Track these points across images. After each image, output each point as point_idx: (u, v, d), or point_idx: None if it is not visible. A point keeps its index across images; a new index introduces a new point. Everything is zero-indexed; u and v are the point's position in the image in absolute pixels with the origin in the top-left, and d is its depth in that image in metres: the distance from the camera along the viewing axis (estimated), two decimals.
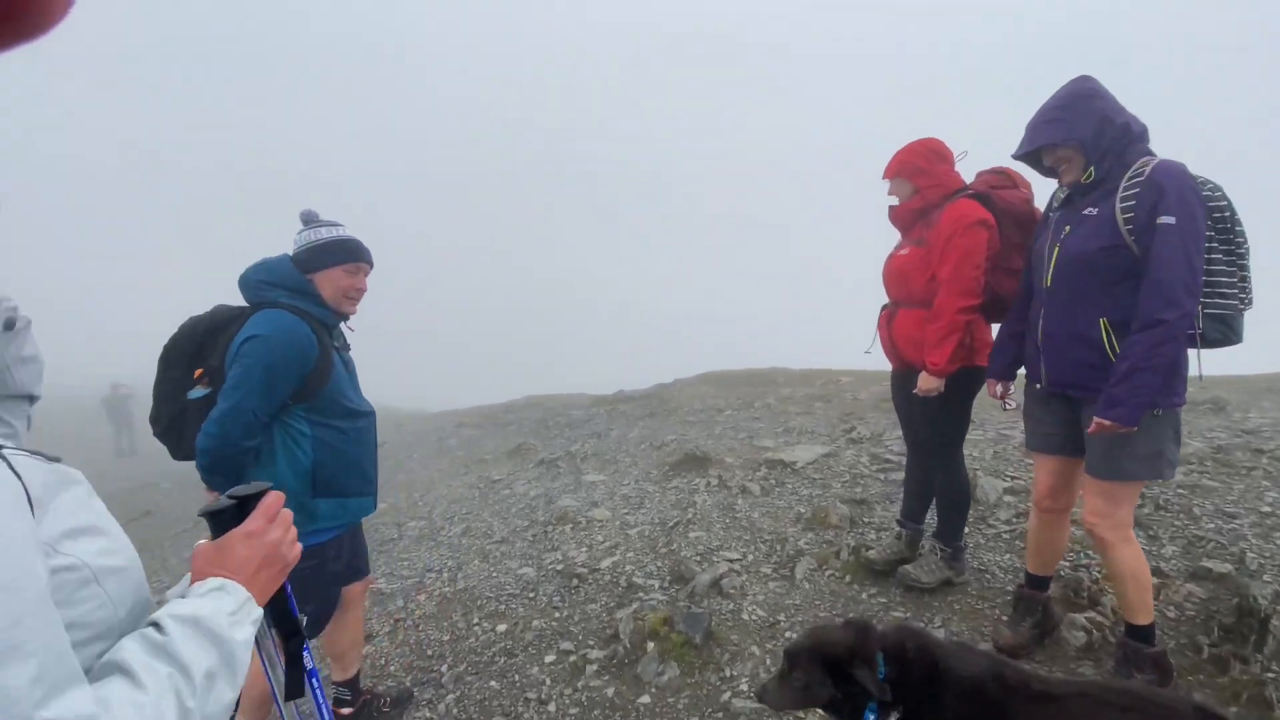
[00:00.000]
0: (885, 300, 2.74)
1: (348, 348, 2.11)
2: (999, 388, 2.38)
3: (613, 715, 2.28)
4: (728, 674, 2.39)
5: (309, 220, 1.99)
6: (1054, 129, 1.96)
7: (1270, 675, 1.94)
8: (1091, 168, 1.92)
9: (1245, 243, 1.87)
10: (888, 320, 2.67)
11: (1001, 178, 2.61)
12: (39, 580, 0.54)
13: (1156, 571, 2.46)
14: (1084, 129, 1.90)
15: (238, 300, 1.93)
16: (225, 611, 0.69)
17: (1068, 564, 2.68)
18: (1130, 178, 1.86)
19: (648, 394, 8.96)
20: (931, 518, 2.90)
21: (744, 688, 2.29)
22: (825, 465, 4.42)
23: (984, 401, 2.67)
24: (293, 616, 0.87)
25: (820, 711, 1.53)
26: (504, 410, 9.94)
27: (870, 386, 7.02)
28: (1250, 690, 1.93)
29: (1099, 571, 2.58)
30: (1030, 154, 2.12)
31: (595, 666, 2.52)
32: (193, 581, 0.74)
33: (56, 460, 0.69)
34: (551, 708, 2.35)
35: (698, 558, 3.29)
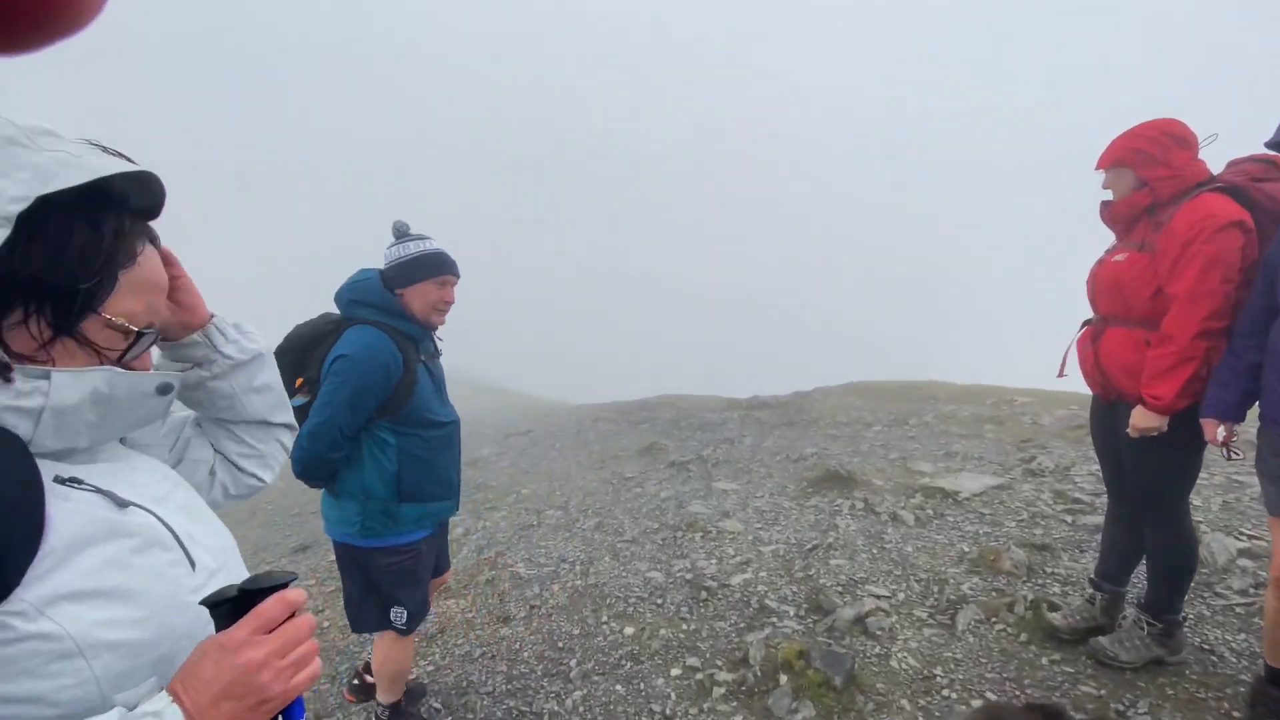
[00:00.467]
0: (1089, 314, 2.33)
1: (438, 355, 2.18)
2: (1221, 430, 1.91)
3: None
4: None
5: (400, 233, 2.03)
6: None
7: None
8: None
9: None
10: (1093, 339, 2.27)
11: (1268, 168, 2.08)
12: None
13: None
14: None
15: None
16: None
17: None
18: None
19: (785, 401, 8.63)
20: (1138, 580, 2.43)
21: None
22: (996, 499, 3.92)
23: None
24: None
25: None
26: (639, 407, 10.15)
27: (1054, 410, 6.13)
28: None
29: None
30: None
31: (723, 690, 2.44)
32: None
33: (128, 505, 0.65)
34: None
35: (839, 588, 3.06)
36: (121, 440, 0.82)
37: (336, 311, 2.04)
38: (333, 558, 2.42)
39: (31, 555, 0.55)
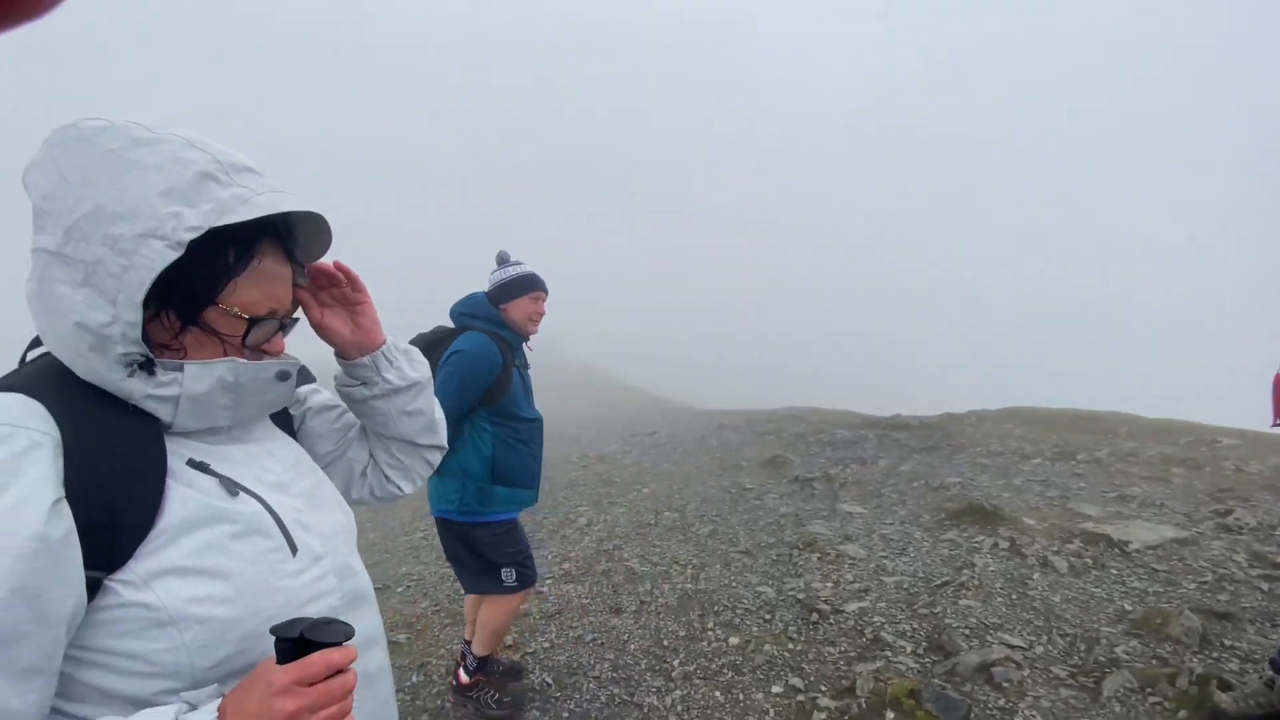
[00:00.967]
0: None
1: (528, 366, 2.53)
2: None
3: None
4: None
5: (502, 260, 2.44)
6: None
7: None
8: None
9: None
10: None
11: None
12: None
13: None
14: None
15: None
16: None
17: None
18: None
19: (931, 423, 8.04)
20: None
21: None
22: (1175, 554, 3.40)
23: None
24: None
25: None
26: (765, 418, 10.01)
27: (1266, 457, 5.12)
28: None
29: None
30: None
31: (824, 715, 2.41)
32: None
33: (238, 493, 0.73)
34: None
35: (966, 631, 2.87)
36: (291, 427, 0.96)
37: (449, 324, 2.46)
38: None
39: (145, 534, 0.64)
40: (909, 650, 2.78)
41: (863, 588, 3.46)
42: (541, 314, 2.45)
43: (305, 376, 0.89)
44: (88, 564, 0.61)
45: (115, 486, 0.63)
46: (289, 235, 0.81)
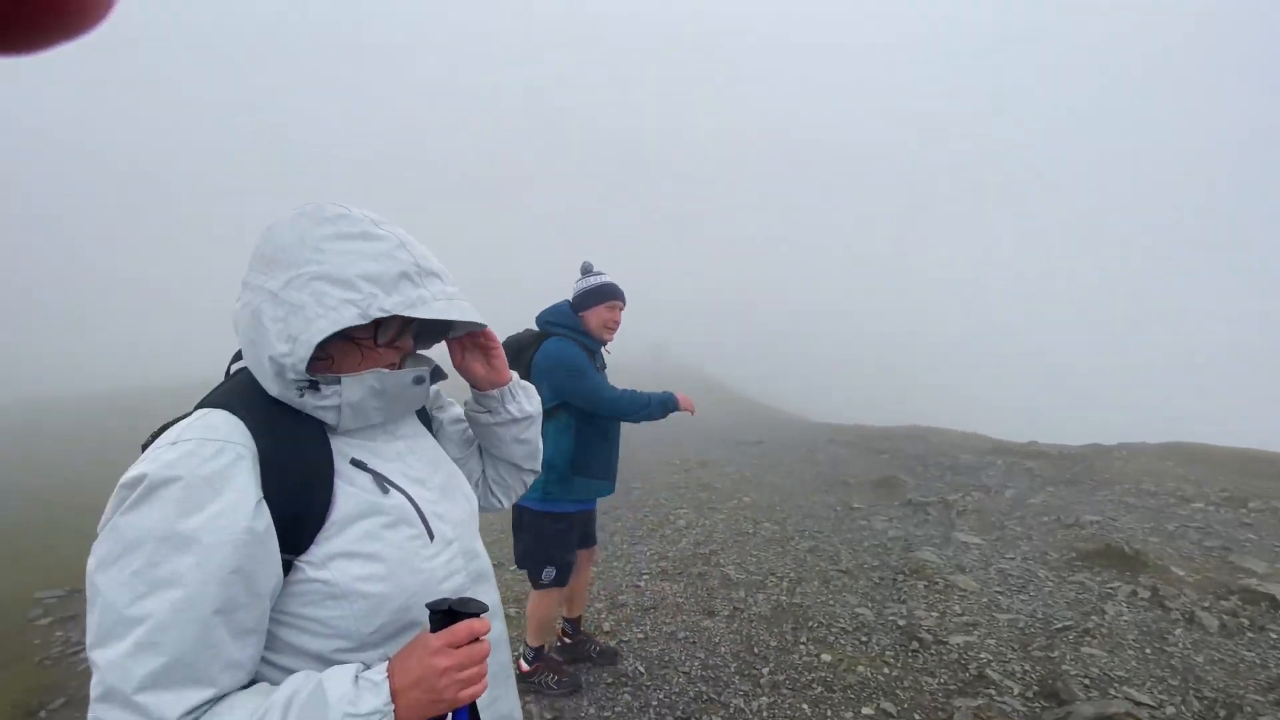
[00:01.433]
0: None
1: (604, 367, 2.73)
2: None
3: None
4: None
5: (586, 271, 2.67)
6: None
7: None
8: None
9: None
10: None
11: None
12: (209, 600, 0.69)
13: None
14: None
15: None
16: (350, 710, 0.72)
17: None
18: None
19: (1073, 454, 7.36)
20: None
21: None
22: None
23: None
24: None
25: None
26: (881, 435, 9.62)
27: None
28: None
29: None
30: None
31: None
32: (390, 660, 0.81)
33: (389, 490, 0.89)
34: None
35: (1085, 680, 2.70)
36: (431, 428, 1.14)
37: (535, 329, 2.72)
38: None
39: (321, 525, 0.81)
40: (1016, 691, 2.67)
41: (971, 621, 3.33)
42: (617, 322, 2.65)
43: (437, 374, 1.02)
44: (282, 549, 0.77)
45: (299, 489, 0.80)
46: None
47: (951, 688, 2.75)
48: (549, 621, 2.80)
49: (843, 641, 3.21)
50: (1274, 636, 2.93)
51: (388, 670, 0.77)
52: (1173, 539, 4.36)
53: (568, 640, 3.07)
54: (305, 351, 0.80)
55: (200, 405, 0.84)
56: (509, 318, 3.08)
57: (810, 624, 3.41)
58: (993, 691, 2.67)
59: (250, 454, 0.78)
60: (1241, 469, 6.24)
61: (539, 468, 1.28)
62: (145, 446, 0.88)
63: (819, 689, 2.82)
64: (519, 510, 2.65)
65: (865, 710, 2.64)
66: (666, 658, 3.14)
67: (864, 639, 3.22)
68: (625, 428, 2.92)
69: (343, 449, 0.89)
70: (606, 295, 2.60)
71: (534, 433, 1.21)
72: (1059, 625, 3.20)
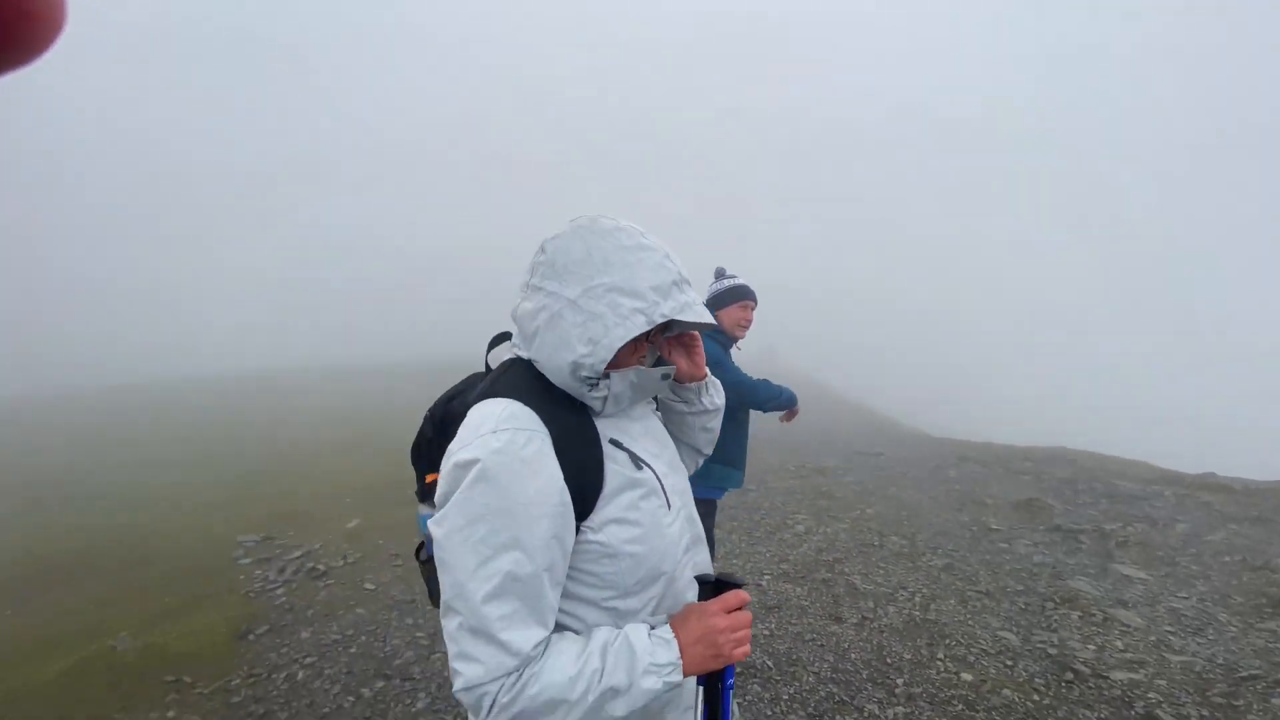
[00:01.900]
0: None
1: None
2: None
3: None
4: None
5: (719, 275, 2.87)
6: None
7: None
8: None
9: None
10: None
11: None
12: (539, 560, 0.86)
13: None
14: None
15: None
16: (652, 660, 0.89)
17: None
18: None
19: (1260, 489, 6.45)
20: None
21: None
22: None
23: None
24: (717, 698, 1.01)
25: None
26: (1021, 455, 8.92)
27: None
28: None
29: None
30: None
31: None
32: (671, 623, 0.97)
33: (642, 466, 1.03)
34: None
35: None
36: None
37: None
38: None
39: (597, 497, 0.94)
40: None
41: (1137, 659, 3.08)
42: (749, 320, 2.84)
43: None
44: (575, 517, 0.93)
45: (583, 469, 0.95)
46: None
47: None
48: None
49: (984, 663, 3.10)
50: None
51: (673, 629, 0.94)
52: None
53: None
54: (606, 354, 0.95)
55: (490, 395, 0.99)
56: None
57: (948, 641, 3.31)
58: None
59: (548, 438, 0.93)
60: None
61: (710, 453, 1.41)
62: (435, 416, 1.15)
63: (960, 706, 2.75)
64: None
65: None
66: (794, 656, 3.18)
67: (1009, 663, 3.09)
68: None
69: (603, 429, 1.03)
70: (739, 295, 2.81)
71: (717, 423, 1.35)
72: (1244, 674, 2.89)
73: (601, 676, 0.86)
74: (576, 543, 0.95)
